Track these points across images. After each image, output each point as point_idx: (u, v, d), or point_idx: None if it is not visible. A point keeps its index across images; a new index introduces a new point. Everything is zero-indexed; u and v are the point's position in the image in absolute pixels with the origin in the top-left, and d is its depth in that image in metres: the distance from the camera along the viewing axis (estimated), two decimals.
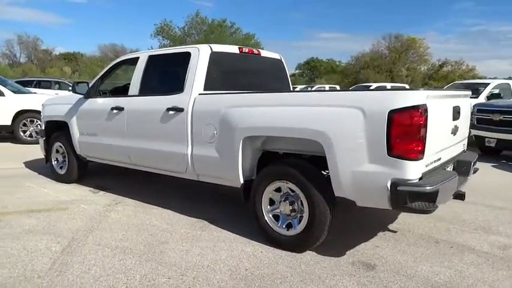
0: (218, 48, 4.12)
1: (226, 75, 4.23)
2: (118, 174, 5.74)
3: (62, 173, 5.59)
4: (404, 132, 2.63)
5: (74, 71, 51.41)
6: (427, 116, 2.66)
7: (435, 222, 4.08)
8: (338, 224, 3.80)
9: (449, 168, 3.44)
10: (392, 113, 2.64)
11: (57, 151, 5.66)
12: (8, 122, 9.14)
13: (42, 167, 6.13)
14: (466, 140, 3.94)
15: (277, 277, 2.85)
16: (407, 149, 2.64)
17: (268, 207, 3.39)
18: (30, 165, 6.76)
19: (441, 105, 3.00)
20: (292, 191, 3.22)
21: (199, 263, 3.05)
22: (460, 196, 3.36)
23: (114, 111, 4.59)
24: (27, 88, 12.03)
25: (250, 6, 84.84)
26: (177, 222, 3.98)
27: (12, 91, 9.44)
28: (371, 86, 15.99)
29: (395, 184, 2.66)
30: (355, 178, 2.85)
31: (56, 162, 5.69)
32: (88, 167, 5.59)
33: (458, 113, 3.32)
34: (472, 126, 8.78)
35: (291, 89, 5.48)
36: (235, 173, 3.52)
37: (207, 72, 3.92)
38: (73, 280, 2.76)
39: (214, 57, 4.02)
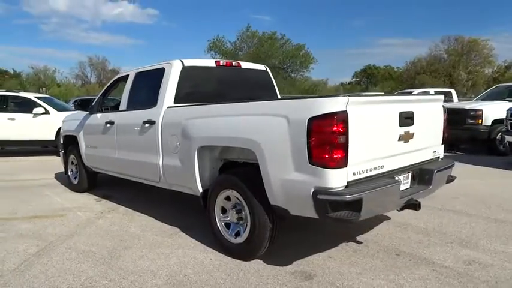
0: (191, 62, 4.31)
1: (200, 89, 4.40)
2: (125, 184, 6.09)
3: (75, 183, 6.10)
4: (323, 140, 2.60)
5: None
6: (347, 123, 2.59)
7: (412, 234, 3.88)
8: (302, 233, 3.78)
9: (406, 176, 3.27)
10: (311, 121, 2.62)
11: (72, 163, 6.19)
12: (52, 137, 10.09)
13: (65, 178, 6.72)
14: (440, 147, 3.71)
15: (210, 283, 2.91)
16: (326, 157, 2.60)
17: (221, 215, 3.47)
18: (58, 176, 7.41)
19: (377, 111, 2.89)
20: (239, 199, 3.28)
21: (146, 268, 3.21)
22: (413, 206, 3.19)
23: (108, 125, 4.96)
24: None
25: (307, 17, 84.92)
26: (151, 229, 4.19)
27: (56, 109, 10.45)
28: (413, 91, 15.23)
29: (316, 193, 2.63)
30: (284, 186, 2.85)
31: (71, 173, 6.22)
32: (101, 178, 6.03)
33: (411, 118, 3.16)
34: (506, 132, 8.25)
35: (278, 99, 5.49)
36: (194, 182, 3.65)
37: (178, 86, 4.12)
38: (27, 279, 3.04)
39: (186, 71, 4.21)
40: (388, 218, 4.35)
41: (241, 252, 3.28)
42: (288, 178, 2.80)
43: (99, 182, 6.16)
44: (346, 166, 2.64)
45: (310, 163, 2.65)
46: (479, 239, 3.71)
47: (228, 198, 3.40)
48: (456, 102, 13.51)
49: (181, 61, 4.24)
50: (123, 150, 4.75)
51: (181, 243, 3.75)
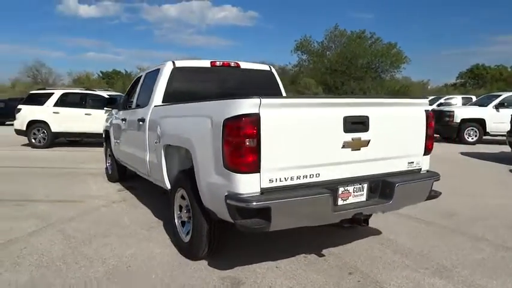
0: (183, 63, 4.44)
1: (192, 89, 4.50)
2: None
3: (110, 173, 6.70)
4: (234, 143, 2.50)
5: None
6: (258, 126, 2.45)
7: (389, 253, 3.51)
8: (269, 239, 3.66)
9: (358, 188, 2.95)
10: (225, 122, 2.55)
11: (109, 155, 6.81)
12: None
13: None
14: (421, 157, 3.26)
15: (142, 277, 3.00)
16: (237, 161, 2.50)
17: (178, 212, 3.54)
18: None
19: (307, 115, 2.66)
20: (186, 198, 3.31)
21: (101, 256, 3.41)
22: (357, 221, 2.87)
23: (123, 121, 5.37)
24: None
25: (410, 14, 79.40)
26: (139, 221, 4.42)
27: None
28: (501, 95, 13.41)
29: (226, 197, 2.55)
30: (209, 189, 2.81)
31: (108, 164, 6.85)
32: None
33: (363, 124, 2.84)
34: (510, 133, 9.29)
35: None
36: (163, 178, 3.78)
37: (167, 86, 4.29)
38: (4, 252, 3.48)
39: (178, 72, 4.35)
40: (378, 233, 3.97)
41: (187, 251, 3.31)
42: (211, 181, 2.76)
43: (131, 173, 6.67)
44: (258, 172, 2.50)
45: (224, 166, 2.58)
46: (462, 269, 3.17)
47: (183, 197, 3.45)
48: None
49: (173, 62, 4.39)
50: (129, 145, 5.11)
51: (152, 236, 3.91)
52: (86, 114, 11.36)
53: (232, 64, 4.75)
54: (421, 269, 3.17)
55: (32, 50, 79.21)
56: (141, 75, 5.33)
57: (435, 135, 14.34)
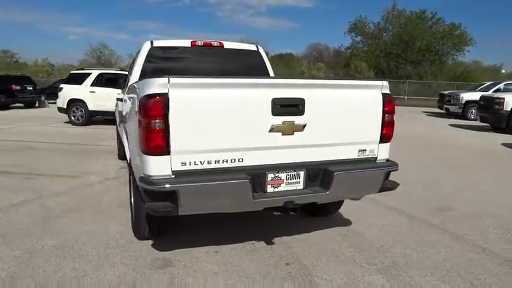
0: (161, 43, 4.42)
1: (171, 69, 4.45)
2: None
3: (118, 151, 6.97)
4: (144, 124, 2.44)
5: None
6: (167, 106, 2.36)
7: (346, 245, 3.27)
8: (232, 222, 3.58)
9: (293, 175, 2.75)
10: (140, 102, 2.48)
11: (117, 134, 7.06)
12: None
13: None
14: (376, 145, 2.97)
15: (84, 253, 3.08)
16: (146, 142, 2.44)
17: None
18: None
19: (226, 96, 2.50)
20: None
21: (63, 229, 3.54)
22: (285, 209, 2.70)
23: (119, 101, 5.50)
24: None
25: None
26: (117, 199, 4.52)
27: None
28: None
29: (139, 180, 2.51)
30: (135, 171, 2.79)
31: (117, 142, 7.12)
32: None
33: (296, 106, 2.63)
34: None
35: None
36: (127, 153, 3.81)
37: (144, 66, 4.30)
38: None
39: (155, 52, 4.35)
40: (348, 224, 3.73)
41: (134, 231, 3.34)
42: (135, 162, 2.75)
43: None
44: (168, 154, 2.43)
45: (139, 148, 2.53)
46: (414, 269, 2.88)
47: None
48: None
49: (151, 42, 4.38)
50: (121, 124, 5.23)
51: (121, 214, 3.99)
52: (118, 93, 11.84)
53: (215, 44, 4.63)
54: (368, 265, 2.93)
55: (99, 33, 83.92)
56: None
57: (483, 123, 13.28)
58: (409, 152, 7.71)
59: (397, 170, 3.03)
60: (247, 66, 4.77)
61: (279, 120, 2.61)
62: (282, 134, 2.64)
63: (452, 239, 3.47)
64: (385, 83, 2.94)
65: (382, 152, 3.02)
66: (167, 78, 2.36)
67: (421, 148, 8.77)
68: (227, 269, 2.83)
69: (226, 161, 2.56)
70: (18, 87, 17.95)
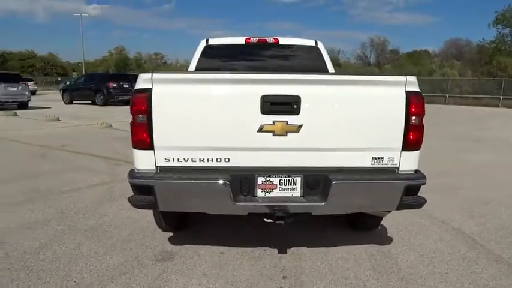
0: (216, 41, 4.49)
1: (224, 66, 4.48)
2: None
3: None
4: (132, 118, 2.48)
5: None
6: (150, 102, 2.36)
7: (354, 263, 2.84)
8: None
9: (288, 181, 2.48)
10: (131, 97, 2.55)
11: None
12: None
13: None
14: (397, 152, 2.47)
15: (106, 234, 3.35)
16: (133, 136, 2.48)
17: None
18: None
19: (211, 92, 2.37)
20: None
21: (108, 212, 3.92)
22: (271, 217, 2.44)
23: None
24: None
25: None
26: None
27: None
28: None
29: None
30: None
31: None
32: None
33: (289, 105, 2.36)
34: None
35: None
36: None
37: (198, 63, 4.44)
38: None
39: (210, 50, 4.45)
40: (380, 242, 3.24)
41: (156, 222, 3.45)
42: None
43: None
44: (152, 149, 2.44)
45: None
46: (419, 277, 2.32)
47: None
48: None
49: (207, 40, 4.49)
50: None
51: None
52: None
53: (269, 40, 4.50)
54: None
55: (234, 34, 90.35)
56: None
57: None
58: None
59: (424, 183, 2.48)
60: (304, 62, 4.52)
61: (269, 119, 2.38)
62: (273, 135, 2.40)
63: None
64: (412, 79, 2.43)
65: (407, 162, 2.50)
66: (150, 74, 2.37)
67: None
68: (219, 273, 2.72)
69: (212, 159, 2.46)
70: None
